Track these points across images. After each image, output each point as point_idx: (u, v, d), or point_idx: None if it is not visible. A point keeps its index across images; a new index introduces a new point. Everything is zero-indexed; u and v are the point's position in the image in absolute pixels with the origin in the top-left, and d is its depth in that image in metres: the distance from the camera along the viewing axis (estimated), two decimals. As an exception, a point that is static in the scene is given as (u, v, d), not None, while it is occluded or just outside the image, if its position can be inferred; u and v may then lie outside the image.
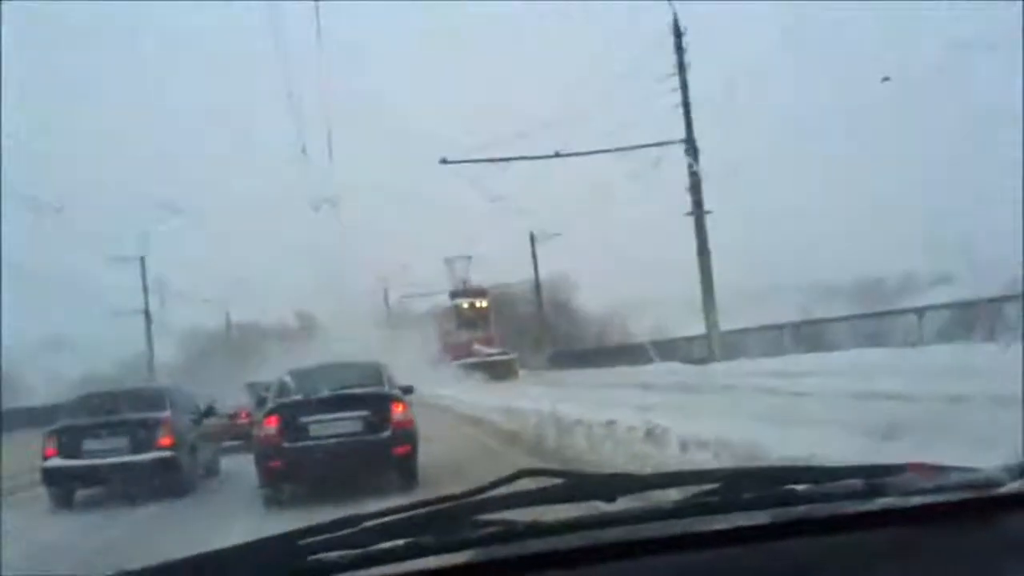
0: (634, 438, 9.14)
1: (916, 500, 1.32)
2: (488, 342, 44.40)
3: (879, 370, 12.73)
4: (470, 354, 41.95)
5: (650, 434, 8.92)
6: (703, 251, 27.17)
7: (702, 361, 25.52)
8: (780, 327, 26.10)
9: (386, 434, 9.95)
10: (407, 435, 10.06)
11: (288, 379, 10.93)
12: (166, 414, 12.10)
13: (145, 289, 40.21)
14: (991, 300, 17.14)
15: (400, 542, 1.25)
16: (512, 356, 41.51)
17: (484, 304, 46.57)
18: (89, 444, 11.54)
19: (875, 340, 19.35)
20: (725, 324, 27.85)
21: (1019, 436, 4.35)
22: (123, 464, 11.32)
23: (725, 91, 26.91)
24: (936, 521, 1.31)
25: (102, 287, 37.24)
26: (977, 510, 1.32)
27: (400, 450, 9.91)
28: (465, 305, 46.50)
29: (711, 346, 26.97)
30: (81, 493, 11.78)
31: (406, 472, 9.96)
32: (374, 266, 44.67)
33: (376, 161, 47.84)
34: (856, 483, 1.34)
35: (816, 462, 4.41)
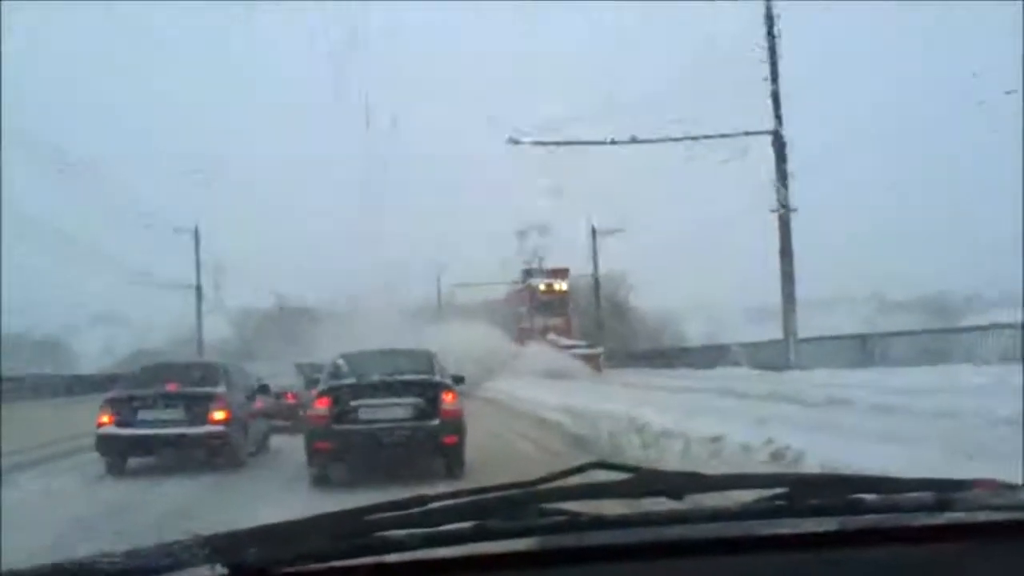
0: (753, 460, 7.63)
1: (984, 516, 1.33)
2: (566, 331, 39.94)
3: (993, 389, 11.27)
4: (545, 343, 37.90)
5: (777, 457, 7.45)
6: (786, 251, 26.19)
7: (776, 368, 24.95)
8: (858, 338, 25.66)
9: (435, 422, 10.10)
10: (456, 424, 10.20)
11: (341, 362, 11.17)
12: (221, 389, 12.44)
13: (198, 264, 40.52)
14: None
15: (466, 525, 1.28)
16: (598, 350, 37.35)
17: (563, 287, 41.40)
18: (144, 414, 11.88)
19: (942, 357, 19.30)
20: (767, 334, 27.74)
21: None
22: (176, 436, 11.70)
23: (813, 83, 25.81)
24: (1003, 538, 1.31)
25: (155, 261, 37.79)
26: None
27: (448, 439, 10.05)
28: (541, 286, 41.21)
29: (788, 353, 26.08)
30: (135, 462, 12.09)
31: (453, 461, 10.12)
32: (427, 250, 43.99)
33: (440, 139, 47.86)
34: (925, 496, 1.35)
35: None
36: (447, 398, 10.35)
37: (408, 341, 15.80)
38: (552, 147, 27.70)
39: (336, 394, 10.34)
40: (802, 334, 27.41)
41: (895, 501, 1.35)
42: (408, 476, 9.40)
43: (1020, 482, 1.41)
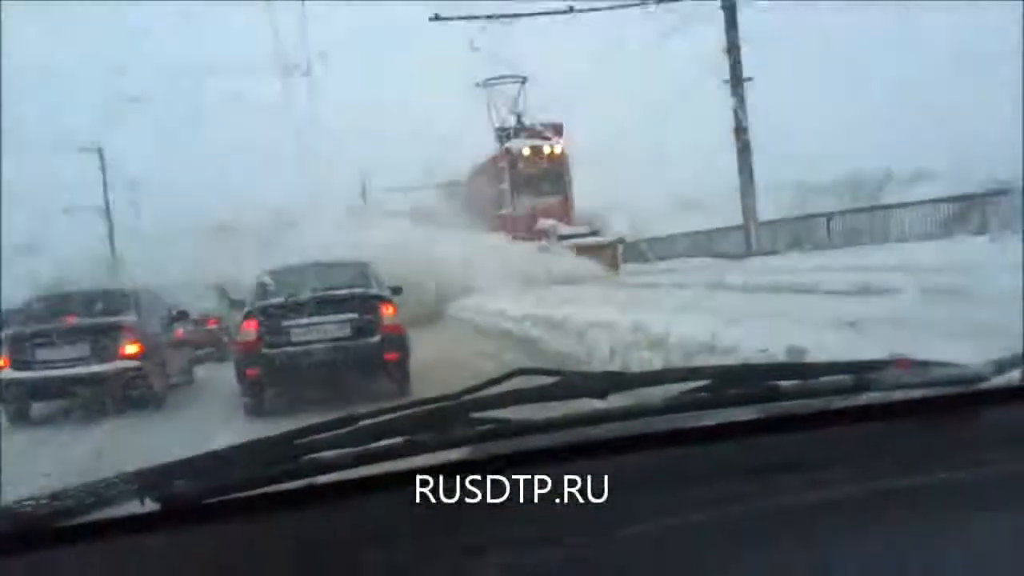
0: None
1: (901, 395, 1.53)
2: (564, 214, 31.15)
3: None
4: (536, 234, 29.86)
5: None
6: (740, 128, 26.94)
7: (735, 256, 25.84)
8: (818, 217, 27.18)
9: (375, 339, 10.25)
10: (398, 340, 10.36)
11: (267, 280, 11.17)
12: (131, 318, 12.24)
13: (105, 184, 40.44)
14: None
15: (397, 440, 1.43)
16: (613, 238, 29.58)
17: (558, 149, 31.74)
18: (43, 353, 11.62)
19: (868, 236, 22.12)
20: (712, 222, 28.10)
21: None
22: (83, 375, 11.43)
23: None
24: (921, 415, 1.52)
25: (63, 183, 37.35)
26: (961, 404, 1.53)
27: (391, 356, 10.21)
28: (525, 150, 31.57)
29: (750, 239, 27.15)
30: (41, 408, 11.97)
31: (397, 380, 10.26)
32: (351, 150, 40.78)
33: (355, 19, 46.28)
34: (843, 379, 1.54)
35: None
36: (386, 311, 10.49)
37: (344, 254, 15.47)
38: (481, 23, 27.51)
39: (264, 315, 10.44)
40: (730, 223, 28.71)
41: (813, 386, 1.54)
42: (349, 399, 9.60)
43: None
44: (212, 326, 18.14)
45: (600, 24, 28.81)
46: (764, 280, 15.95)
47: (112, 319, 12.14)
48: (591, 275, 25.88)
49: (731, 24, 26.48)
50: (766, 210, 27.92)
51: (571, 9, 27.26)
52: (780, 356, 7.06)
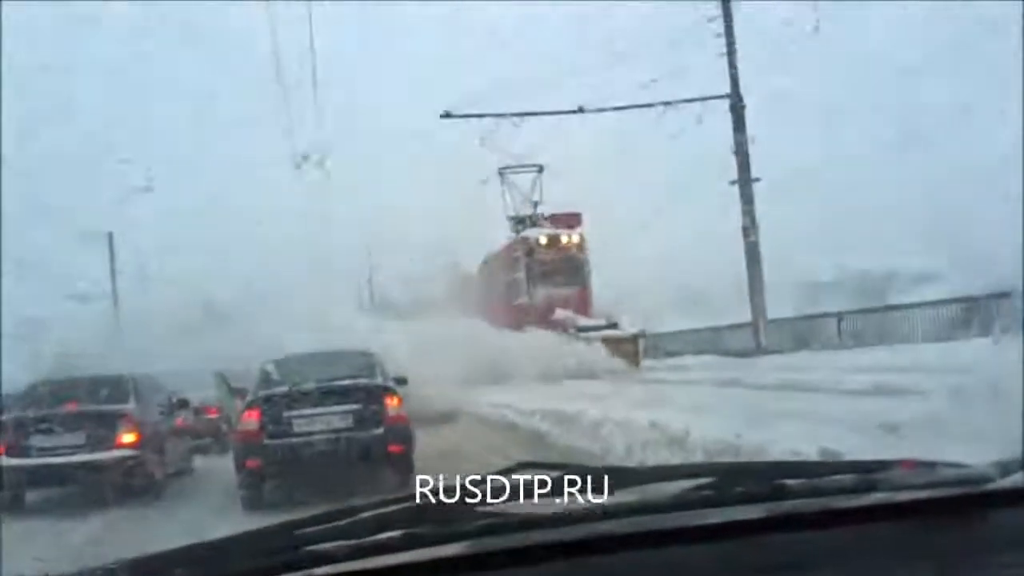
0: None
1: (907, 496, 1.54)
2: (582, 305, 29.78)
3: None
4: (552, 326, 28.43)
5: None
6: (749, 226, 27.29)
7: (745, 354, 25.82)
8: (829, 317, 27.22)
9: (379, 431, 10.22)
10: (402, 431, 10.33)
11: (271, 368, 11.17)
12: (130, 406, 12.14)
13: (113, 271, 41.44)
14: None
15: (396, 533, 1.44)
16: (634, 331, 28.19)
17: (576, 239, 30.69)
18: (40, 440, 11.49)
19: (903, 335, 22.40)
20: (715, 318, 28.48)
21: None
22: (79, 464, 11.29)
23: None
24: (927, 516, 1.52)
25: (71, 269, 38.00)
26: (967, 506, 1.53)
27: (395, 448, 10.16)
28: (542, 239, 30.62)
29: (759, 336, 27.21)
30: (35, 496, 11.84)
31: (401, 473, 10.17)
32: (359, 242, 40.29)
33: (367, 114, 47.12)
34: (848, 478, 1.56)
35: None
36: (391, 403, 10.47)
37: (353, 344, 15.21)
38: (491, 122, 28.27)
39: (266, 405, 10.41)
40: (734, 320, 29.16)
41: (819, 485, 1.55)
42: (351, 492, 9.49)
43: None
44: (212, 415, 18.07)
45: (609, 123, 29.21)
46: (779, 379, 15.80)
47: (111, 407, 12.06)
48: (611, 369, 25.13)
49: (739, 125, 27.07)
50: (770, 308, 28.03)
51: (581, 109, 28.00)
52: (812, 458, 7.02)
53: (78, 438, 11.55)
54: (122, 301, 40.47)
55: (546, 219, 32.34)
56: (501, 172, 33.40)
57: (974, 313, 20.72)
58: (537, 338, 27.03)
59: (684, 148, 28.05)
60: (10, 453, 11.47)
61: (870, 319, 25.91)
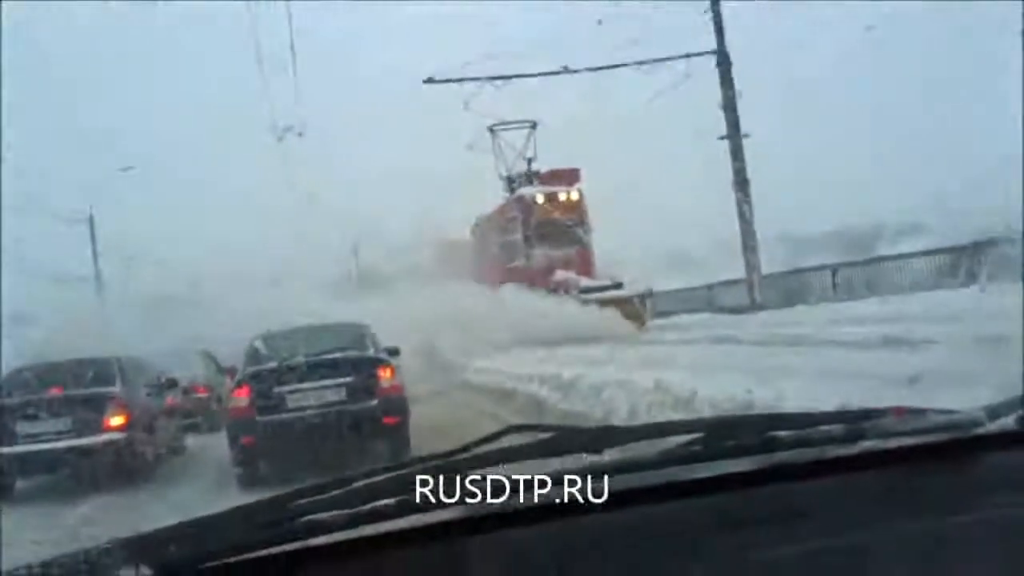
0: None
1: (897, 442, 1.58)
2: (584, 266, 28.88)
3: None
4: (552, 288, 27.49)
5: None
6: (741, 181, 27.39)
7: (740, 310, 26.06)
8: (823, 270, 27.72)
9: (373, 402, 10.29)
10: (397, 403, 10.41)
11: (260, 344, 11.20)
12: (117, 389, 12.14)
13: (95, 253, 41.53)
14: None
15: (390, 500, 1.47)
16: (641, 290, 27.44)
17: (575, 196, 29.77)
18: (24, 427, 11.47)
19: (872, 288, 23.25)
20: (705, 276, 28.58)
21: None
22: (67, 449, 11.31)
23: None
24: (916, 463, 1.56)
25: (53, 252, 38.17)
26: (958, 451, 1.57)
27: (390, 420, 10.23)
28: (539, 198, 29.57)
29: (754, 293, 27.47)
30: (26, 483, 11.89)
31: (397, 444, 10.27)
32: (344, 212, 39.94)
33: (348, 84, 46.95)
34: (838, 428, 1.59)
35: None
36: (384, 374, 10.52)
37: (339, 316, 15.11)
38: (475, 86, 28.18)
39: (257, 381, 10.47)
40: (726, 277, 29.52)
41: (808, 435, 1.59)
42: (347, 466, 9.55)
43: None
44: (202, 394, 18.11)
45: (595, 84, 29.14)
46: (779, 334, 15.86)
47: (97, 390, 12.06)
48: (618, 331, 23.93)
49: (726, 81, 27.13)
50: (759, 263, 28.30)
51: (565, 69, 27.99)
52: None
53: (65, 423, 11.52)
54: (105, 283, 40.72)
55: (542, 176, 31.49)
56: (492, 129, 32.66)
57: (961, 262, 21.30)
58: (535, 300, 26.13)
59: (671, 106, 28.16)
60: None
61: (862, 271, 26.32)
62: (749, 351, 13.65)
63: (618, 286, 27.05)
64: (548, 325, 23.11)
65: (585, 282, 27.46)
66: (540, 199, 29.70)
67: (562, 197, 29.74)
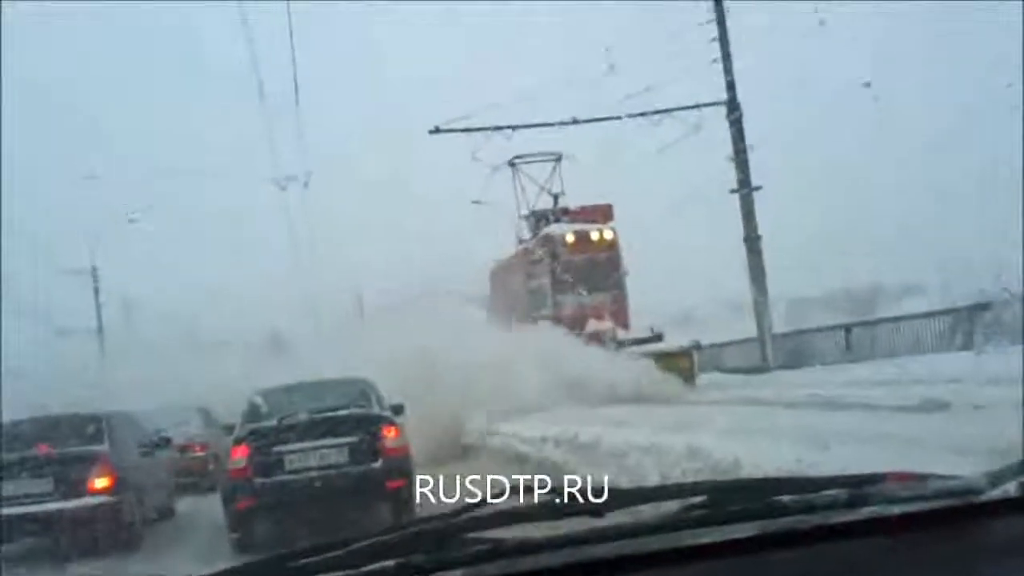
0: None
1: (900, 509, 1.63)
2: (620, 313, 27.08)
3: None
4: (586, 340, 25.42)
5: None
6: (751, 236, 27.44)
7: (753, 370, 26.06)
8: (837, 329, 27.87)
9: (377, 464, 10.20)
10: (402, 465, 10.34)
11: (259, 400, 11.18)
12: (103, 448, 11.87)
13: (98, 305, 42.44)
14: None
15: (389, 562, 1.53)
16: (686, 345, 25.53)
17: (609, 235, 27.70)
18: (6, 488, 10.99)
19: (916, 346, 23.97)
20: (708, 335, 28.78)
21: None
22: (47, 513, 10.93)
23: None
24: (919, 529, 1.63)
25: (55, 304, 38.91)
26: (958, 517, 1.63)
27: (394, 483, 10.14)
28: (568, 237, 27.66)
29: (766, 352, 27.38)
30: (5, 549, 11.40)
31: (401, 509, 10.17)
32: (348, 264, 39.35)
33: (352, 134, 47.50)
34: (840, 493, 1.66)
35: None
36: (389, 434, 10.47)
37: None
38: (483, 136, 28.30)
39: (256, 440, 10.40)
40: (721, 339, 29.61)
41: (812, 501, 1.65)
42: (349, 532, 9.48)
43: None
44: (198, 452, 18.07)
45: (604, 134, 29.32)
46: (806, 395, 15.69)
47: (82, 449, 11.77)
48: (667, 391, 22.00)
49: (737, 133, 27.43)
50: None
51: (574, 120, 28.13)
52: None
53: (46, 484, 11.18)
54: (106, 336, 41.28)
55: (571, 213, 29.27)
56: (512, 163, 30.99)
57: (959, 324, 22.31)
58: (570, 351, 23.74)
59: (680, 156, 28.51)
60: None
61: (872, 332, 26.73)
62: (782, 414, 13.26)
63: (659, 338, 25.54)
64: (585, 382, 21.32)
65: (623, 334, 25.79)
66: (570, 238, 27.51)
67: (594, 236, 27.49)
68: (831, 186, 39.64)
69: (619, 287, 27.45)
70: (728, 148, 27.61)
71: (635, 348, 24.46)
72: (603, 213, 28.51)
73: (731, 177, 27.69)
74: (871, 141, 37.69)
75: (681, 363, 24.27)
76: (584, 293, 26.72)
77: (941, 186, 26.73)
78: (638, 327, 26.69)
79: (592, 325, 25.81)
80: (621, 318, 26.68)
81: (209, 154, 51.38)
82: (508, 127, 28.34)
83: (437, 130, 28.93)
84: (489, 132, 28.42)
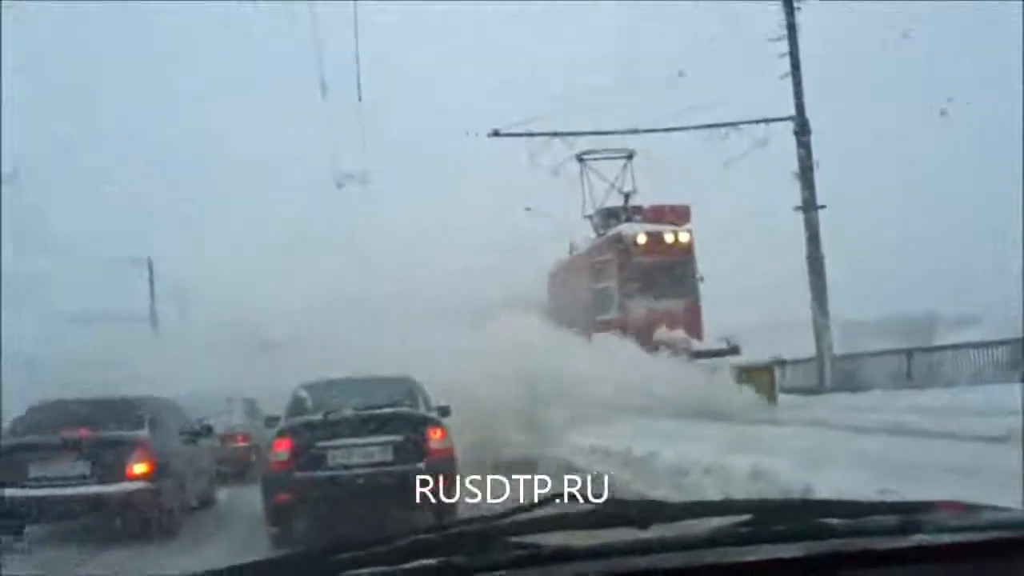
0: None
1: (947, 538, 1.63)
2: (692, 322, 26.03)
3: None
4: (655, 348, 24.28)
5: None
6: (815, 256, 27.16)
7: (811, 391, 25.79)
8: (898, 353, 27.66)
9: (421, 464, 10.22)
10: (446, 466, 10.34)
11: (304, 394, 11.27)
12: (143, 433, 11.87)
13: (152, 294, 44.47)
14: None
15: (431, 561, 1.56)
16: (770, 360, 24.43)
17: (685, 238, 26.74)
18: (37, 470, 11.08)
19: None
20: (757, 354, 28.63)
21: None
22: (83, 497, 10.92)
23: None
24: (967, 559, 1.63)
25: (108, 291, 40.23)
26: (1012, 550, 1.62)
27: (438, 484, 10.05)
28: (640, 238, 26.45)
29: (824, 374, 26.93)
30: (37, 531, 11.01)
31: (444, 511, 10.11)
32: (402, 265, 39.31)
33: (412, 133, 47.91)
34: (889, 519, 1.66)
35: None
36: (435, 435, 10.51)
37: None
38: (542, 141, 28.04)
39: (298, 434, 10.50)
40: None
41: (860, 525, 1.66)
42: (390, 531, 9.49)
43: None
44: (240, 443, 18.27)
45: (665, 144, 29.04)
46: (875, 420, 15.43)
47: (121, 433, 11.78)
48: (747, 407, 20.91)
49: (804, 150, 27.17)
50: (809, 345, 27.95)
51: (636, 130, 28.00)
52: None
53: (83, 467, 11.20)
54: (160, 325, 42.74)
55: (644, 212, 28.25)
56: (582, 158, 30.05)
57: (1016, 354, 22.96)
58: (639, 360, 22.74)
59: (743, 172, 28.42)
60: (5, 484, 10.80)
61: (929, 358, 26.75)
62: (851, 438, 12.73)
63: (735, 350, 24.46)
64: (654, 394, 20.38)
65: (696, 344, 24.69)
66: (642, 239, 26.43)
67: (668, 238, 26.57)
68: (892, 209, 39.63)
69: (693, 293, 26.60)
70: (793, 164, 27.34)
71: (709, 360, 23.35)
72: (679, 214, 27.70)
73: (793, 194, 27.46)
74: (937, 166, 37.76)
75: (762, 379, 23.36)
76: (655, 298, 25.81)
77: (1003, 216, 26.65)
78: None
79: (662, 333, 24.84)
80: (694, 327, 25.72)
81: (268, 150, 51.91)
82: (568, 133, 28.21)
83: (496, 133, 28.94)
84: (548, 138, 28.39)
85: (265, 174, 50.76)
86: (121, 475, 11.22)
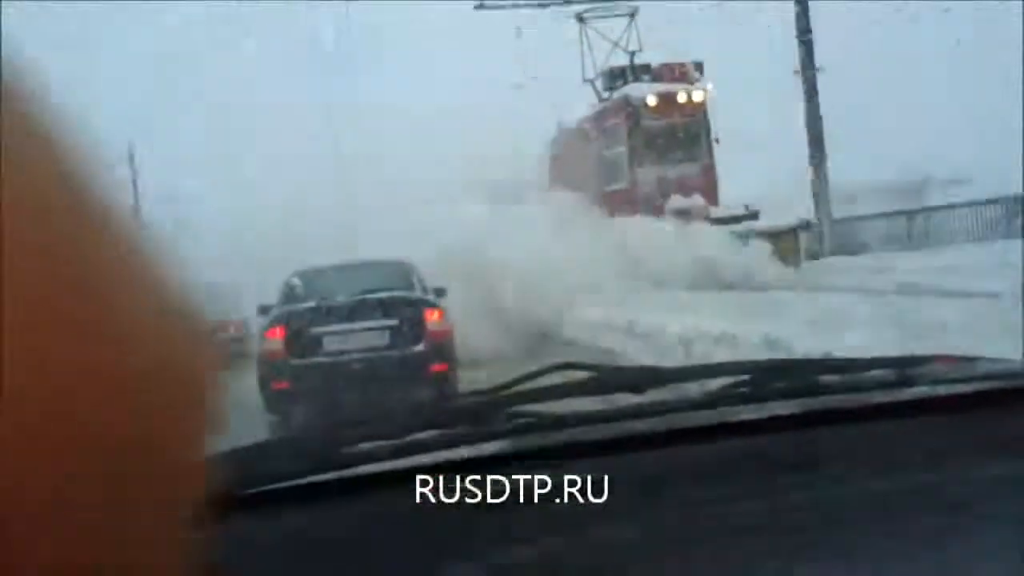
0: None
1: (943, 389, 1.68)
2: (708, 188, 24.76)
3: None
4: (669, 216, 23.11)
5: None
6: (814, 120, 27.10)
7: (811, 256, 25.80)
8: (894, 215, 28.52)
9: (419, 347, 10.33)
10: (444, 349, 10.45)
11: (296, 281, 11.27)
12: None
13: (135, 191, 44.27)
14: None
15: (433, 433, 1.61)
16: (791, 223, 23.11)
17: (699, 97, 25.25)
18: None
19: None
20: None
21: None
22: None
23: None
24: (963, 411, 1.67)
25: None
26: (1005, 400, 1.67)
27: (437, 367, 10.26)
28: (652, 99, 24.81)
29: (821, 237, 26.74)
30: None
31: (444, 395, 10.14)
32: (393, 147, 38.50)
33: (397, 11, 47.09)
34: (886, 374, 1.70)
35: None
36: (432, 317, 10.55)
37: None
38: (528, 11, 27.83)
39: (292, 321, 10.55)
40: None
41: (856, 381, 1.71)
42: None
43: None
44: (233, 333, 18.42)
45: (661, 12, 28.18)
46: (885, 281, 15.56)
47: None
48: (770, 273, 20.14)
49: (803, 14, 27.04)
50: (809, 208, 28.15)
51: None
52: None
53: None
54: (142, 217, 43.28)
55: (652, 71, 26.46)
56: (580, 17, 28.67)
57: (1013, 213, 23.48)
58: (656, 231, 21.69)
59: (744, 38, 28.22)
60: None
61: (926, 219, 27.55)
62: (861, 301, 12.42)
63: (754, 215, 23.28)
64: (673, 263, 19.74)
65: (715, 210, 23.57)
66: (652, 100, 24.82)
67: (681, 98, 24.93)
68: (887, 74, 39.57)
69: (708, 157, 25.39)
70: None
71: (728, 226, 22.36)
72: (689, 72, 26.08)
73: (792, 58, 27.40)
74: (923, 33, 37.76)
75: (785, 244, 22.41)
76: (667, 164, 24.65)
77: (996, 77, 26.72)
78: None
79: (677, 200, 23.73)
80: (710, 192, 24.60)
81: (255, 40, 51.50)
82: (556, 3, 27.77)
83: (481, 6, 28.46)
84: (535, 7, 27.92)
85: (246, 55, 50.15)
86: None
